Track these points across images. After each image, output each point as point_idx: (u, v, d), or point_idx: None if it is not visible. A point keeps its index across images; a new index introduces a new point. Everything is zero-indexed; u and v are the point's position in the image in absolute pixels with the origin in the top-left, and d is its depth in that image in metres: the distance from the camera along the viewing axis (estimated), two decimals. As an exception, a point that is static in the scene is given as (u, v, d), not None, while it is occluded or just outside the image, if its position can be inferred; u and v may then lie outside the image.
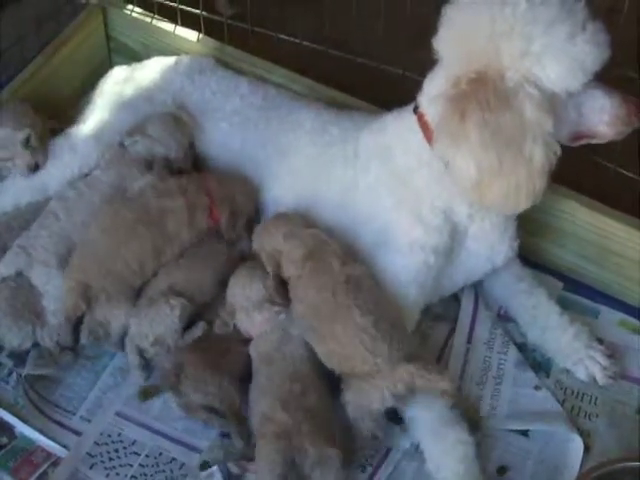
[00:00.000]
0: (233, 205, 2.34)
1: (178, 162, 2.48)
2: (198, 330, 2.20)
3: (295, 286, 2.17)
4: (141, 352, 2.21)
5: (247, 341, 2.20)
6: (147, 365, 2.22)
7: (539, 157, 1.93)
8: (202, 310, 2.26)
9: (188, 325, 2.22)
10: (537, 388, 2.22)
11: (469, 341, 2.32)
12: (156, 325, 2.18)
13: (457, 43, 1.99)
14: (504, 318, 2.38)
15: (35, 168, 2.43)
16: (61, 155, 2.48)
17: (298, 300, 2.16)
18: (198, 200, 2.33)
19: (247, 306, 2.18)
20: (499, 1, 1.92)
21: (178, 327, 2.19)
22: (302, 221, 2.25)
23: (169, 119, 2.48)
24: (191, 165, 2.51)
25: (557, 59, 1.90)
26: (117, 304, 2.21)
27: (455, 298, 2.39)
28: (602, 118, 2.03)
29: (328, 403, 2.05)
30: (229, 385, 2.11)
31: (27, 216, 2.42)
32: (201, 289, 2.27)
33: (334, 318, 2.07)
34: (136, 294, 2.26)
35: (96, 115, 2.54)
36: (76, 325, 2.23)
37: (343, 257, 2.16)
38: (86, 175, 2.46)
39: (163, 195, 2.33)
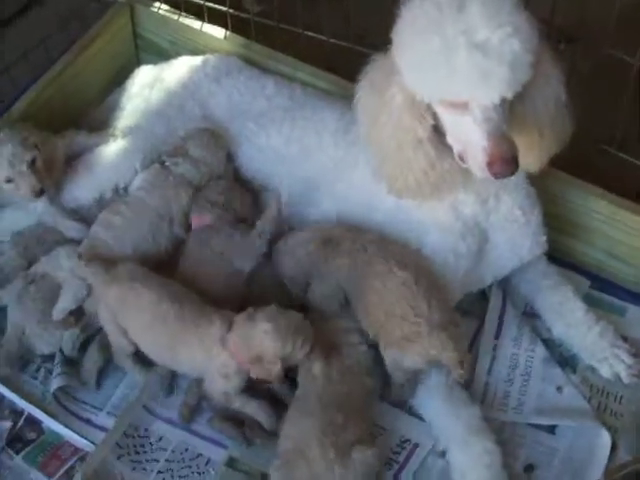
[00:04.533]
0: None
1: (219, 175, 2.49)
2: None
3: (326, 265, 2.20)
4: None
5: None
6: None
7: None
8: None
9: None
10: (559, 389, 2.22)
11: (497, 337, 2.32)
12: None
13: None
14: (530, 315, 2.37)
15: (40, 194, 2.34)
16: (93, 167, 2.48)
17: (334, 275, 2.19)
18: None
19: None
20: None
21: None
22: None
23: (207, 136, 2.49)
24: (232, 176, 2.53)
25: None
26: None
27: (482, 296, 2.38)
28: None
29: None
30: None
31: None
32: None
33: (368, 272, 2.11)
34: None
35: (126, 123, 2.56)
36: None
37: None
38: (117, 189, 2.47)
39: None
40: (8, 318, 2.29)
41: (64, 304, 2.25)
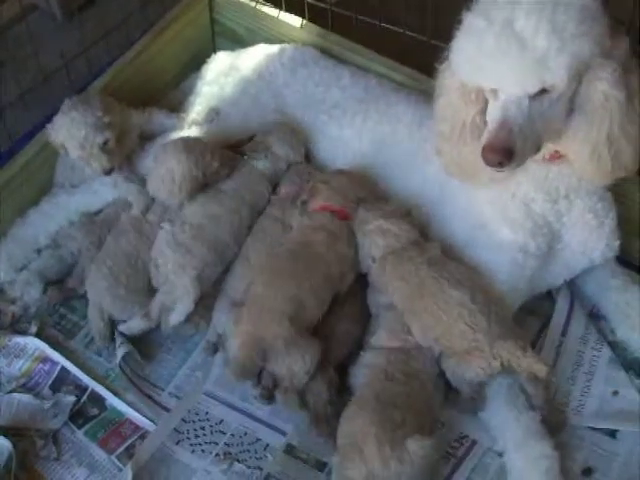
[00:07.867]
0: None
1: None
2: None
3: (381, 283, 2.21)
4: None
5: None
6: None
7: None
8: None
9: None
10: (615, 393, 2.18)
11: (563, 334, 2.29)
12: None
13: None
14: (595, 316, 2.34)
15: (109, 172, 2.41)
16: None
17: (389, 294, 2.18)
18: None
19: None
20: None
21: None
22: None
23: (289, 132, 2.52)
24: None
25: None
26: (296, 349, 2.09)
27: (548, 295, 2.36)
28: None
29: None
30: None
31: None
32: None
33: (422, 293, 2.10)
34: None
35: (201, 109, 2.59)
36: None
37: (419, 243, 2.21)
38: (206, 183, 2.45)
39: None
40: (88, 297, 2.34)
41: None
